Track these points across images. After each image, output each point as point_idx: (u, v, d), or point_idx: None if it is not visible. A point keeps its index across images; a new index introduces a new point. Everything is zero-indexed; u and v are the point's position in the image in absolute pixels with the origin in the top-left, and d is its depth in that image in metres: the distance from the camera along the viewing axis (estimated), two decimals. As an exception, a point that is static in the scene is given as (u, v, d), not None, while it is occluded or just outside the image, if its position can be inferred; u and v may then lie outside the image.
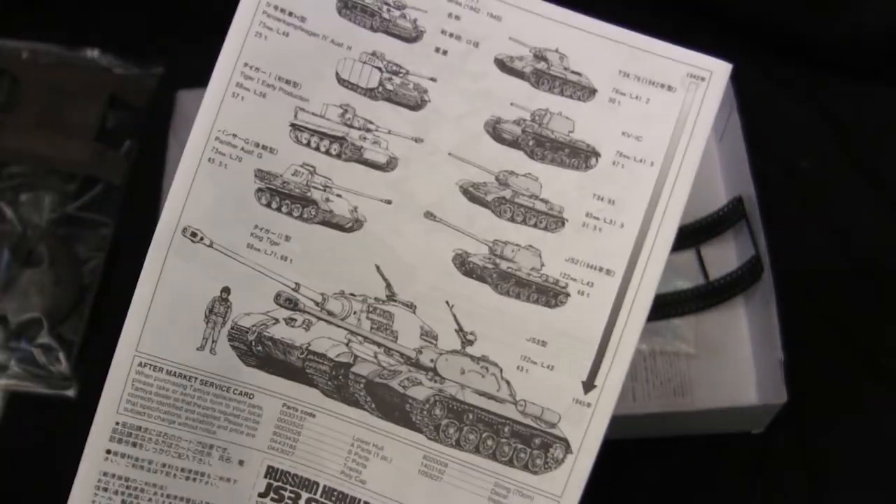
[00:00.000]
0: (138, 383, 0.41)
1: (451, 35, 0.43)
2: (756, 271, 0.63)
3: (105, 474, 0.42)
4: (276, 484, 0.42)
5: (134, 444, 0.42)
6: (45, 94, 0.73)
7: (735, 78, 0.66)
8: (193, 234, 0.41)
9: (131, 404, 0.41)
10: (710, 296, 0.65)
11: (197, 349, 0.42)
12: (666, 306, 0.65)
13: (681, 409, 0.62)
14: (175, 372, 0.42)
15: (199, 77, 0.70)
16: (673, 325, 0.65)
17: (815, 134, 0.73)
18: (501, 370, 0.41)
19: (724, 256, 0.67)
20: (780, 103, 0.74)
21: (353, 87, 0.43)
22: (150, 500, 0.42)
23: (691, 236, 0.67)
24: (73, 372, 0.65)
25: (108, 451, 0.42)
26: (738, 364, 0.64)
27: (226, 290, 0.42)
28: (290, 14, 0.42)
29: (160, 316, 0.41)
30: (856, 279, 0.67)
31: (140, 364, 0.41)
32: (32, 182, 0.72)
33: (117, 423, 0.41)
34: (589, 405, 0.41)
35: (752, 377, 0.63)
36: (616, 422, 0.61)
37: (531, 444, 0.41)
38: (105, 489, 0.42)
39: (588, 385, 0.41)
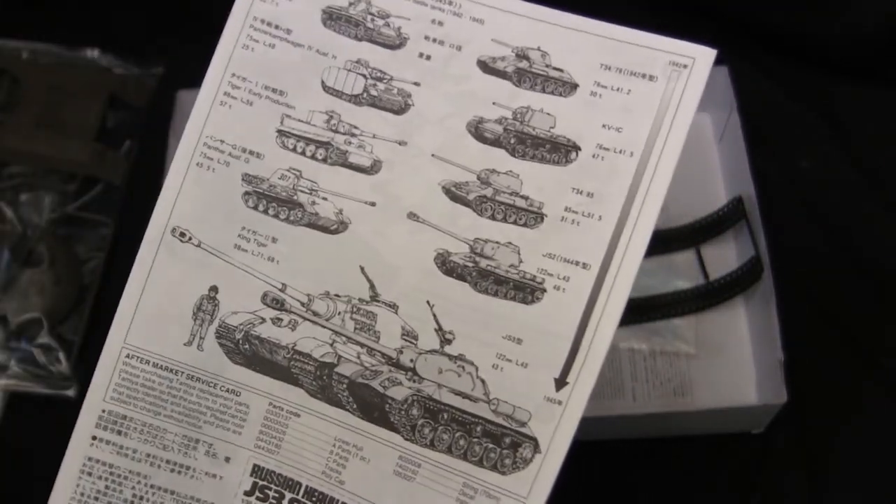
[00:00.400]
0: (125, 374, 0.43)
1: (434, 40, 0.44)
2: (756, 271, 0.63)
3: (90, 459, 0.42)
4: (261, 483, 0.42)
5: (119, 433, 0.43)
6: (45, 94, 0.73)
7: (735, 78, 0.67)
8: (182, 235, 0.43)
9: (118, 393, 0.43)
10: (710, 296, 0.65)
11: (184, 345, 0.43)
12: (666, 306, 0.65)
13: (681, 409, 0.62)
14: (162, 365, 0.43)
15: (199, 77, 0.70)
16: (673, 325, 0.65)
17: (815, 134, 0.73)
18: (477, 369, 0.42)
19: (724, 256, 0.67)
20: (780, 103, 0.74)
21: (337, 93, 0.44)
22: (133, 488, 0.42)
23: (691, 236, 0.67)
24: (73, 372, 0.65)
25: (94, 438, 0.43)
26: (738, 364, 0.64)
27: (214, 288, 0.43)
28: (276, 27, 0.44)
29: (149, 311, 0.43)
30: (856, 279, 0.67)
31: (128, 356, 0.43)
32: (32, 182, 0.72)
33: (103, 411, 0.43)
34: (560, 403, 0.41)
35: (752, 377, 0.63)
36: (616, 422, 0.61)
37: (501, 443, 0.41)
38: (89, 474, 0.42)
39: (560, 382, 0.41)
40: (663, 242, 0.67)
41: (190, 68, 0.74)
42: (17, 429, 0.65)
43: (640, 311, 0.65)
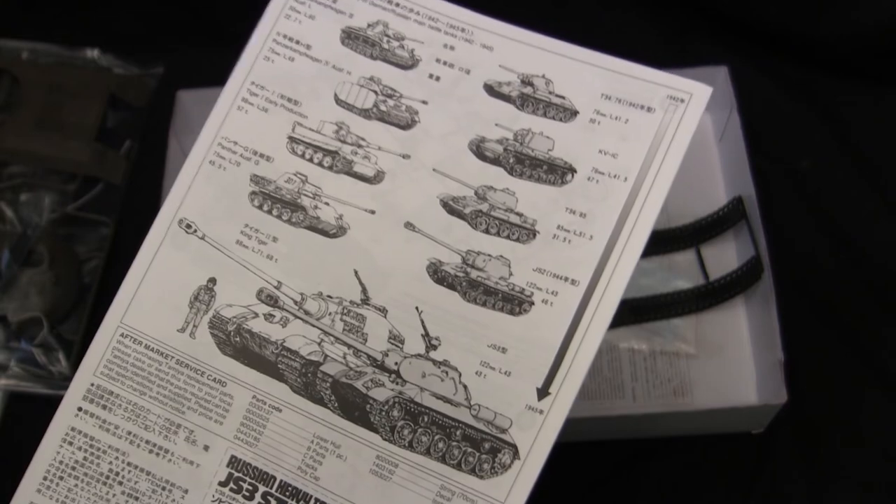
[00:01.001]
0: (117, 352, 0.44)
1: (444, 63, 0.46)
2: (756, 271, 0.63)
3: (73, 429, 0.43)
4: (236, 474, 0.43)
5: (104, 407, 0.43)
6: (45, 94, 0.73)
7: (735, 78, 0.67)
8: (188, 226, 0.45)
9: (108, 369, 0.44)
10: (710, 296, 0.65)
11: (178, 331, 0.44)
12: (666, 306, 0.65)
13: (681, 409, 0.62)
14: (153, 347, 0.44)
15: (199, 77, 0.70)
16: (673, 325, 0.65)
17: (815, 134, 0.73)
18: (460, 374, 0.42)
19: (724, 256, 0.67)
20: (780, 103, 0.74)
21: (349, 107, 0.46)
22: (110, 463, 0.43)
23: (691, 236, 0.67)
24: (72, 372, 0.65)
25: (80, 409, 0.44)
26: (738, 364, 0.64)
27: (212, 280, 0.44)
28: (297, 42, 0.47)
29: (148, 294, 0.44)
30: (856, 279, 0.67)
31: (122, 335, 0.44)
32: (32, 182, 0.72)
33: (92, 385, 0.44)
34: (541, 412, 0.41)
35: (752, 377, 0.63)
36: (616, 422, 0.61)
37: (481, 448, 0.42)
38: (70, 443, 0.43)
39: (542, 392, 0.42)
40: (663, 242, 0.67)
41: (190, 68, 0.75)
42: (17, 429, 0.65)
43: (640, 311, 0.65)
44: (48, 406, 0.65)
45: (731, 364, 0.64)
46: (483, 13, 0.47)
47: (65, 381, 0.65)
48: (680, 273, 0.67)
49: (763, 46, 0.76)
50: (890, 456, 0.62)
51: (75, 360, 0.66)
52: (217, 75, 0.64)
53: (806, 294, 0.66)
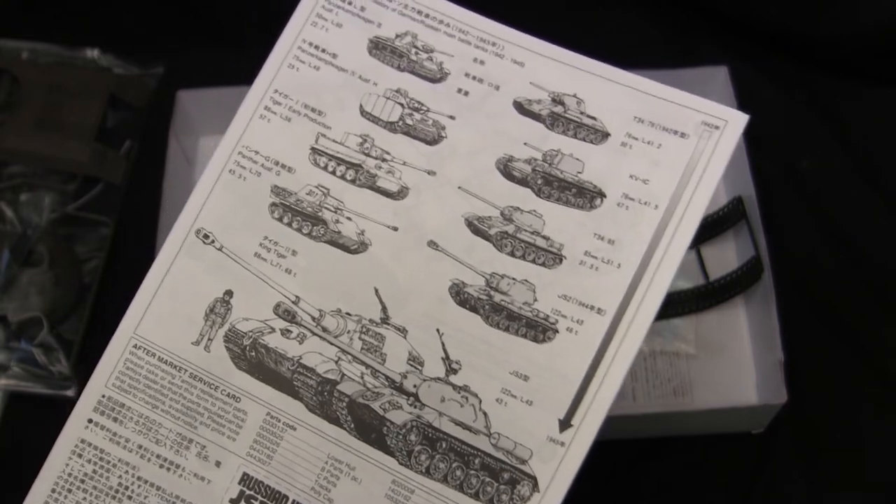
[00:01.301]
0: (130, 363, 0.43)
1: (474, 78, 0.45)
2: (756, 271, 0.63)
3: (83, 441, 0.43)
4: (248, 492, 0.42)
5: (115, 420, 0.43)
6: (45, 94, 0.73)
7: (735, 78, 0.67)
8: (206, 237, 0.44)
9: (120, 381, 0.43)
10: (710, 296, 0.65)
11: (192, 344, 0.43)
12: (666, 306, 0.64)
13: (681, 409, 0.62)
14: (167, 360, 0.43)
15: (199, 77, 0.70)
16: (673, 325, 0.65)
17: (815, 134, 0.73)
18: (481, 401, 0.42)
19: (724, 256, 0.67)
20: (780, 103, 0.74)
21: (374, 119, 0.45)
22: (120, 477, 0.42)
23: (691, 236, 0.67)
24: (73, 372, 0.65)
25: (90, 421, 0.43)
26: (738, 364, 0.64)
27: (228, 292, 0.43)
28: (323, 51, 0.46)
29: (162, 305, 0.43)
30: (856, 279, 0.67)
31: (135, 346, 0.43)
32: (32, 182, 0.72)
33: (103, 396, 0.43)
34: (563, 444, 0.41)
35: (752, 377, 0.63)
36: (616, 422, 0.61)
37: (499, 478, 0.41)
38: (80, 455, 0.43)
39: (564, 424, 0.41)
40: (663, 242, 0.67)
41: (190, 68, 0.75)
42: (17, 429, 0.65)
43: (640, 311, 0.65)
44: (48, 406, 0.66)
45: (731, 364, 0.64)
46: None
47: (65, 380, 0.65)
48: (680, 273, 0.66)
49: (763, 46, 0.76)
50: (890, 456, 0.62)
51: (75, 360, 0.66)
52: (217, 75, 0.64)
53: (806, 294, 0.66)
